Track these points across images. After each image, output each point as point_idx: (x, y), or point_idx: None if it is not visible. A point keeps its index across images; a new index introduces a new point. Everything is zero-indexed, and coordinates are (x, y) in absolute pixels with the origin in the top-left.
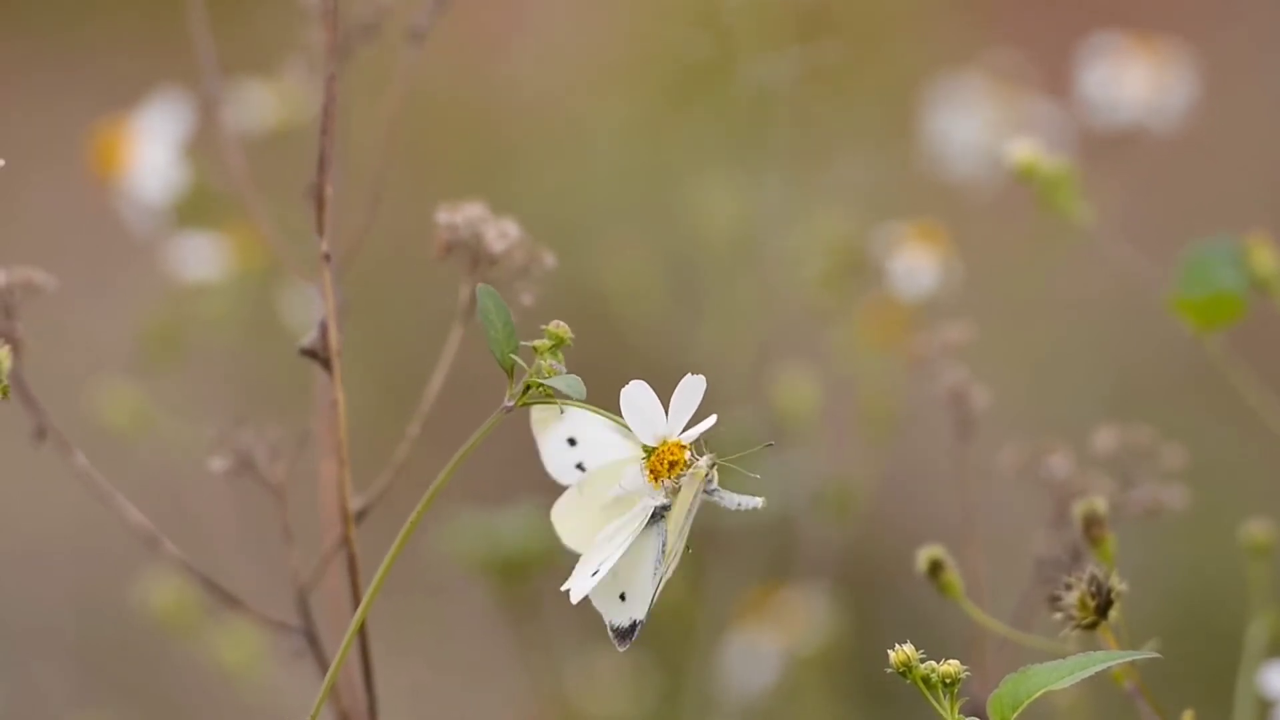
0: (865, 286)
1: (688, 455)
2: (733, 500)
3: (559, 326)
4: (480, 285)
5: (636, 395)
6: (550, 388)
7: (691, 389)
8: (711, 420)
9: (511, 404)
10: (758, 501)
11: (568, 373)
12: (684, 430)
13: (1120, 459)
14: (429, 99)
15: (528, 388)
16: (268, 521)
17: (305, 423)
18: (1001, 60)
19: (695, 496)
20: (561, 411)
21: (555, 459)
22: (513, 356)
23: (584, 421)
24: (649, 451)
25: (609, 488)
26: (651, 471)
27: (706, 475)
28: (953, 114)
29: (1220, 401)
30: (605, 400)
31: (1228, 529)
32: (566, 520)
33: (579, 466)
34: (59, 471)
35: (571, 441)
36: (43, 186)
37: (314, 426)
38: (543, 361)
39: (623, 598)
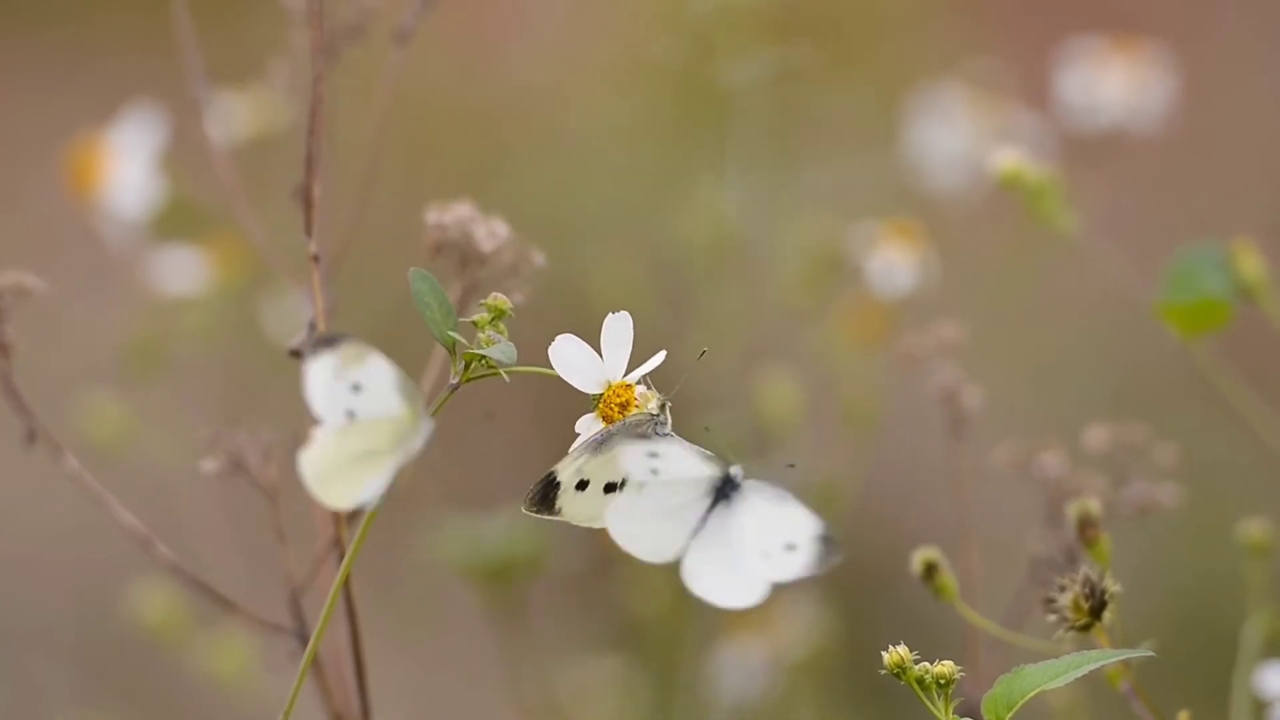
0: (845, 286)
1: (638, 392)
2: None
3: (498, 298)
4: (413, 269)
5: (565, 348)
6: (489, 358)
7: (618, 327)
8: (659, 357)
9: (456, 381)
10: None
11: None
12: (629, 371)
13: (1115, 458)
14: (424, 99)
15: (468, 362)
16: (260, 524)
17: (296, 424)
18: (983, 68)
19: (635, 428)
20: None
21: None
22: (452, 334)
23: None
24: (596, 399)
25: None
26: (604, 417)
27: (658, 416)
28: (935, 123)
29: (1217, 404)
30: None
31: (1225, 529)
32: (625, 524)
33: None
34: (56, 476)
35: (653, 454)
36: (37, 187)
37: (305, 428)
38: (481, 334)
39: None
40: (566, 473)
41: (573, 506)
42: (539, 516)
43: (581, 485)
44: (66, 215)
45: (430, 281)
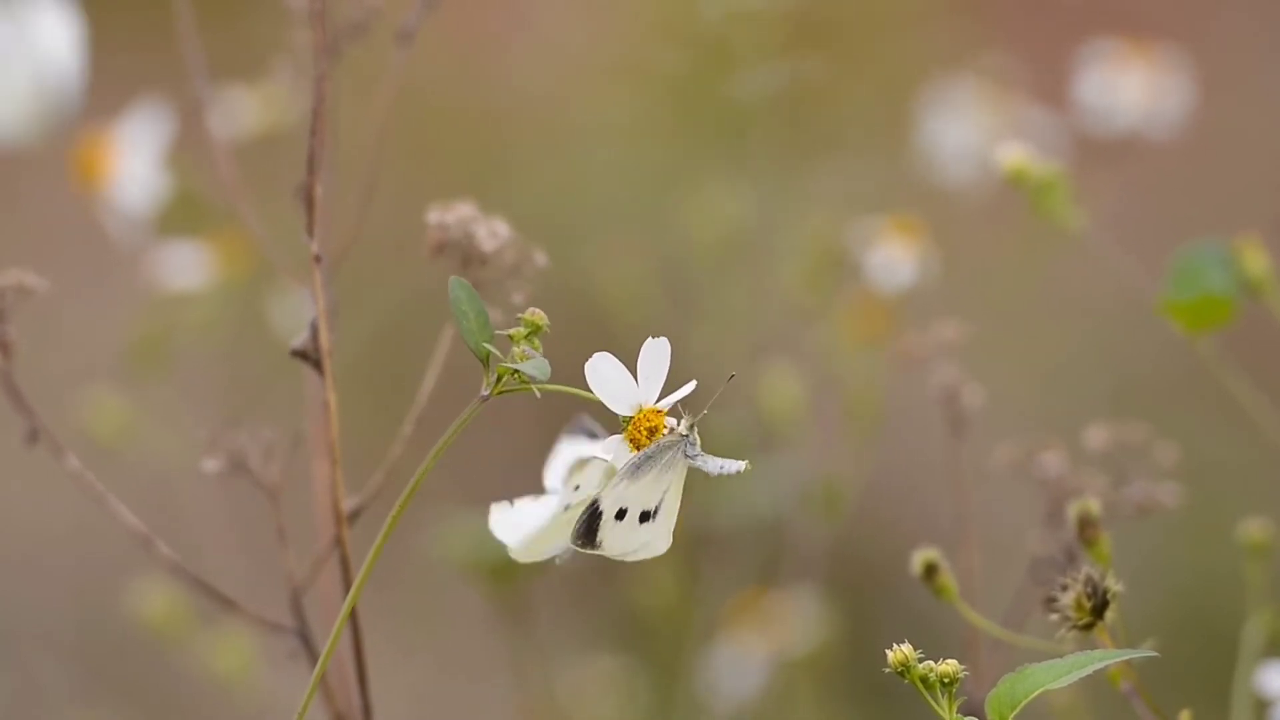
0: (847, 282)
1: (667, 420)
2: (715, 464)
3: (535, 314)
4: (453, 277)
5: (602, 366)
6: (522, 373)
7: (657, 352)
8: (690, 386)
9: (487, 393)
10: (740, 465)
11: (552, 373)
12: (660, 398)
13: (1115, 458)
14: (426, 99)
15: (501, 376)
16: (261, 523)
17: (298, 424)
18: (995, 64)
19: (666, 451)
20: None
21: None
22: (487, 346)
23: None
24: (626, 421)
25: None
26: (632, 441)
27: (687, 437)
28: (946, 119)
29: (1219, 403)
30: (597, 400)
31: (1226, 529)
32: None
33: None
34: (57, 475)
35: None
36: (37, 186)
37: (306, 427)
38: (516, 349)
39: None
40: (607, 502)
41: (611, 538)
42: (585, 552)
43: (620, 515)
44: (66, 213)
45: (468, 290)
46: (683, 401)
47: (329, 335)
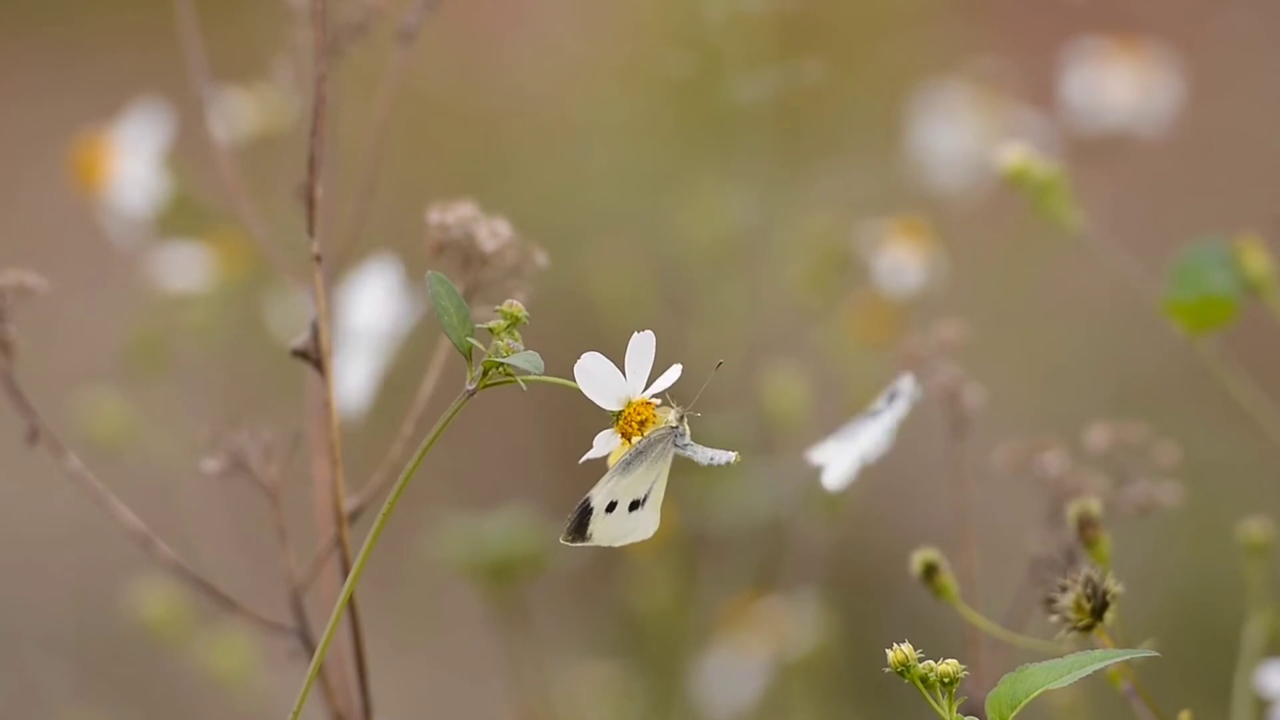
0: (852, 284)
1: (656, 410)
2: (705, 454)
3: (513, 305)
4: (431, 272)
5: (590, 365)
6: (509, 366)
7: (642, 346)
8: (675, 372)
9: (473, 387)
10: (730, 456)
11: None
12: (647, 388)
13: (1115, 458)
14: (426, 99)
15: (487, 370)
16: (261, 523)
17: (298, 424)
18: (986, 68)
19: (657, 444)
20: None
21: None
22: (470, 340)
23: None
24: (616, 416)
25: None
26: (623, 434)
27: (676, 428)
28: (937, 123)
29: (1219, 403)
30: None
31: (1226, 529)
32: None
33: None
34: (58, 476)
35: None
36: (36, 185)
37: (307, 427)
38: (499, 341)
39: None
40: (599, 497)
41: (601, 529)
42: (575, 545)
43: (610, 507)
44: (66, 212)
45: (447, 285)
46: (676, 394)
47: (329, 335)
